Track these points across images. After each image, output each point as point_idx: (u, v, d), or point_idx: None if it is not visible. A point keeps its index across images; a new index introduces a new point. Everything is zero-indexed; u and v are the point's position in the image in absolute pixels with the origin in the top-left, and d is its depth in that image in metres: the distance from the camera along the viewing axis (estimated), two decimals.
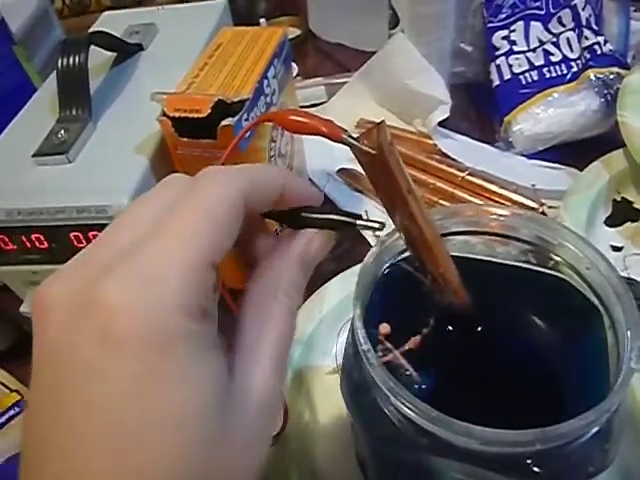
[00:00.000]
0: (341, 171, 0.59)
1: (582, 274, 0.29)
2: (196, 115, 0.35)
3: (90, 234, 0.38)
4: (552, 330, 0.31)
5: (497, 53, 0.62)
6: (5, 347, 0.49)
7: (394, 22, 0.60)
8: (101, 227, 0.37)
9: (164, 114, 0.36)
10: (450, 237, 0.33)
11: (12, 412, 0.43)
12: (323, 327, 0.45)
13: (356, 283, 0.28)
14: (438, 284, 0.29)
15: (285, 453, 0.38)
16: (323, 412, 0.41)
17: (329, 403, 0.42)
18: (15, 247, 0.40)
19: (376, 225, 0.25)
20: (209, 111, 0.35)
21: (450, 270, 0.29)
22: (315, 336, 0.45)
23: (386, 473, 0.33)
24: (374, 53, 0.64)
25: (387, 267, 0.31)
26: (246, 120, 0.37)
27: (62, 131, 0.40)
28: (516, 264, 0.33)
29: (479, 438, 0.22)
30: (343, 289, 0.47)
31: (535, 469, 0.24)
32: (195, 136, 0.37)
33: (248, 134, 0.38)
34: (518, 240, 0.31)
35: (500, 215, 0.31)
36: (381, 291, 0.30)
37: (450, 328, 0.30)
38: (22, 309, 0.44)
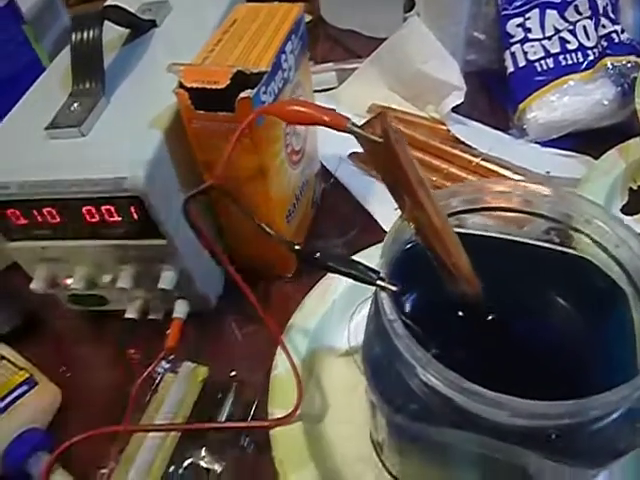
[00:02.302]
0: (352, 155, 0.59)
1: (610, 252, 0.28)
2: (214, 86, 0.34)
3: (103, 208, 0.38)
4: (575, 310, 0.31)
5: (512, 40, 0.62)
6: (13, 327, 0.48)
7: (409, 6, 0.59)
8: (115, 200, 0.37)
9: (181, 86, 0.36)
10: (470, 215, 0.33)
11: (21, 390, 0.42)
12: (335, 311, 0.45)
13: (380, 255, 0.27)
14: (450, 273, 0.28)
15: (299, 432, 0.37)
16: (335, 394, 0.41)
17: (341, 385, 0.41)
18: (26, 222, 0.39)
19: (393, 288, 0.25)
20: (228, 82, 0.34)
21: (462, 259, 0.28)
22: (326, 320, 0.44)
23: (404, 451, 0.33)
24: (386, 40, 0.64)
25: (409, 243, 0.31)
26: (264, 93, 0.36)
27: (75, 105, 0.39)
28: (538, 243, 0.32)
29: (509, 409, 0.21)
30: None
31: (560, 444, 0.23)
32: (212, 109, 0.36)
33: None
34: (542, 217, 0.31)
35: (523, 190, 0.31)
36: (403, 266, 0.30)
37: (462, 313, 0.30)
38: (32, 286, 0.43)
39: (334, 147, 0.58)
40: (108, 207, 0.38)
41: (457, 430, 0.24)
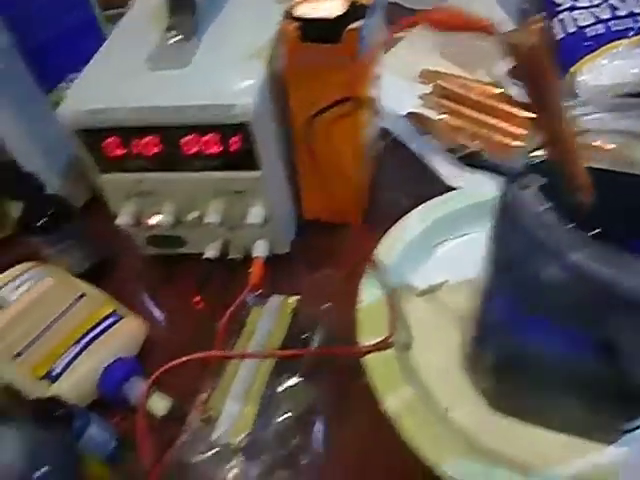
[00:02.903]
0: (410, 115, 0.60)
1: None
2: (326, 16, 0.35)
3: (204, 138, 0.38)
4: None
5: (558, 9, 0.64)
6: (91, 265, 0.49)
7: None
8: (218, 129, 0.38)
9: (289, 16, 0.37)
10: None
11: (108, 322, 0.43)
12: (411, 251, 0.46)
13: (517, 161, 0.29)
14: (571, 182, 0.30)
15: (391, 358, 0.39)
16: (418, 327, 0.42)
17: (423, 320, 0.43)
18: (124, 152, 0.40)
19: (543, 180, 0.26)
20: (340, 13, 0.35)
21: (582, 168, 0.30)
22: (404, 259, 0.45)
23: (501, 371, 0.34)
24: None
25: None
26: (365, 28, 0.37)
27: (173, 38, 0.40)
28: None
29: None
30: (425, 219, 0.48)
31: None
32: (318, 40, 0.37)
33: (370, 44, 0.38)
34: None
35: None
36: None
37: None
38: (118, 221, 0.44)
39: (392, 107, 0.59)
40: (208, 137, 0.39)
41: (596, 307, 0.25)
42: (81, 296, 0.45)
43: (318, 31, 0.36)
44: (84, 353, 0.41)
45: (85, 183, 0.55)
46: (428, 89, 0.63)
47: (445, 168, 0.55)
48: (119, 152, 0.40)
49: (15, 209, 0.55)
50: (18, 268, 0.48)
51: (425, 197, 0.49)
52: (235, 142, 0.38)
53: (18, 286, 0.46)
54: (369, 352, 0.39)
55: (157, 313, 0.45)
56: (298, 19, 0.36)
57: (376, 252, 0.46)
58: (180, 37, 0.40)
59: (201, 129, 0.38)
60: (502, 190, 0.29)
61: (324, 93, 0.40)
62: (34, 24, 0.53)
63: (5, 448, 0.26)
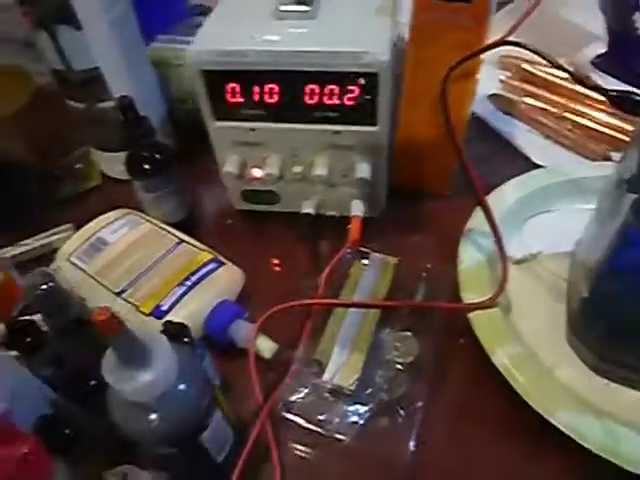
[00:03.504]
0: (492, 97, 0.61)
1: None
2: None
3: (325, 89, 0.39)
4: None
5: None
6: (184, 216, 0.50)
7: None
8: (344, 78, 0.38)
9: None
10: None
11: (210, 267, 0.43)
12: (505, 222, 0.46)
13: None
14: None
15: (498, 316, 0.39)
16: (516, 294, 0.43)
17: (519, 287, 0.43)
18: (242, 100, 0.41)
19: None
20: None
21: None
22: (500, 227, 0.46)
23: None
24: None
25: None
26: None
27: None
28: None
29: None
30: (517, 192, 0.49)
31: None
32: None
33: None
34: None
35: None
36: None
37: None
38: (226, 169, 0.44)
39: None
40: (330, 87, 0.39)
41: None
42: (179, 242, 0.46)
43: None
44: (189, 294, 0.41)
45: (172, 139, 0.56)
46: (507, 73, 0.64)
47: (530, 146, 0.56)
48: (239, 99, 0.41)
49: (102, 160, 0.57)
50: (114, 213, 0.49)
51: (507, 173, 0.50)
52: (357, 95, 0.39)
53: (115, 230, 0.47)
54: (476, 309, 0.39)
55: (255, 263, 0.46)
56: None
57: (471, 220, 0.46)
58: None
59: (325, 78, 0.39)
60: None
61: (443, 54, 0.41)
62: None
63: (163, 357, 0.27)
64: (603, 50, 0.60)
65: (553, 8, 0.63)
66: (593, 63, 0.61)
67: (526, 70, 0.62)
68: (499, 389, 0.36)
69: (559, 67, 0.34)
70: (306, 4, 0.40)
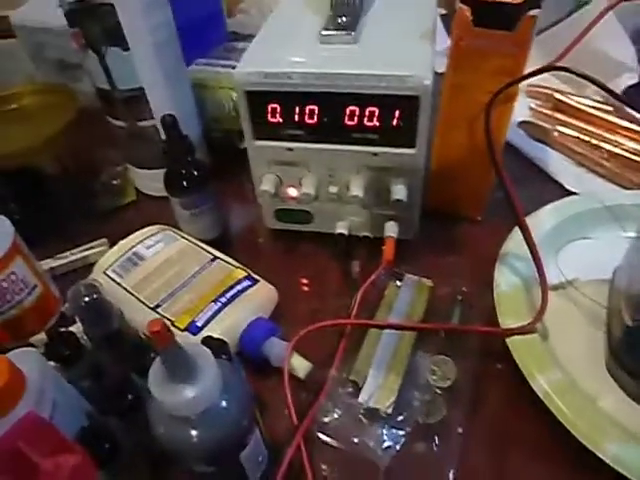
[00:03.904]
0: (522, 123, 0.61)
1: None
2: (508, 0, 0.37)
3: (367, 110, 0.40)
4: None
5: None
6: (219, 233, 0.50)
7: None
8: (386, 100, 0.39)
9: (463, 1, 0.38)
10: None
11: (245, 284, 0.43)
12: (541, 247, 0.46)
13: None
14: None
15: (537, 342, 0.39)
16: (554, 319, 0.42)
17: (557, 312, 0.43)
18: (282, 120, 0.42)
19: None
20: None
21: None
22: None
23: None
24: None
25: None
26: None
27: (342, 16, 0.42)
28: None
29: None
30: (554, 218, 0.48)
31: None
32: (492, 25, 0.39)
33: None
34: None
35: None
36: None
37: None
38: (263, 187, 0.45)
39: None
40: (372, 109, 0.40)
41: None
42: (213, 259, 0.46)
43: (493, 16, 0.38)
44: (225, 310, 0.41)
45: (207, 158, 0.57)
46: (536, 102, 0.65)
47: (563, 173, 0.56)
48: (279, 119, 0.42)
49: (137, 176, 0.58)
50: (150, 229, 0.49)
51: (540, 200, 0.50)
52: (397, 117, 0.40)
53: (151, 245, 0.47)
54: (515, 334, 0.39)
55: (281, 284, 0.46)
56: (473, 2, 0.38)
57: (507, 243, 0.46)
58: (348, 17, 0.42)
59: (366, 100, 0.39)
60: None
61: (482, 79, 0.41)
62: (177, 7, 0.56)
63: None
64: (635, 81, 0.60)
65: (587, 38, 0.63)
66: (625, 93, 0.61)
67: (558, 99, 0.62)
68: (537, 415, 0.36)
69: (610, 92, 0.34)
70: (348, 29, 0.41)
